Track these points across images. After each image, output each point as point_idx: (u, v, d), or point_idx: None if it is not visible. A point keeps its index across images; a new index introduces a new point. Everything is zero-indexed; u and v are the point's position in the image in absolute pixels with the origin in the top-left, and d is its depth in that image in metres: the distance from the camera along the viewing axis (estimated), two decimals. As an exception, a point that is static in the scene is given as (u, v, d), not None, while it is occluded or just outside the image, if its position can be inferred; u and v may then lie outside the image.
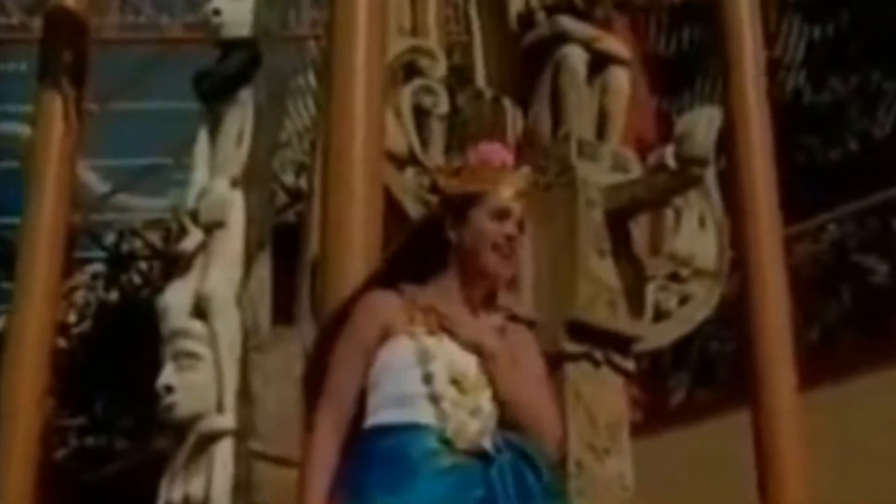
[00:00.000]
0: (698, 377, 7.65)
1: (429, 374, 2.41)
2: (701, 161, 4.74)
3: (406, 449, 2.35)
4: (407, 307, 2.48)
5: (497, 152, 2.61)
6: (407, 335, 2.44)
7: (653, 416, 6.86)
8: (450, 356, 2.43)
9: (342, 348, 2.47)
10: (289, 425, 4.41)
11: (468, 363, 2.44)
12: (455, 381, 2.41)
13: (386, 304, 2.48)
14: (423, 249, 2.56)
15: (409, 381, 2.40)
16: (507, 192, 2.54)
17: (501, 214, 2.53)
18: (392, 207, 4.35)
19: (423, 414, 2.39)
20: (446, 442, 2.36)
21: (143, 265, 10.09)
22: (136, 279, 10.03)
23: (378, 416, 2.41)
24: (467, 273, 2.53)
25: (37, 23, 8.75)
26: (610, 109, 5.06)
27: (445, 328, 2.47)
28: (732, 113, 4.99)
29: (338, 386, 2.45)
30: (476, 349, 2.47)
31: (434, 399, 2.39)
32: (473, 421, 2.41)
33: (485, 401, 2.45)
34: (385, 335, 2.45)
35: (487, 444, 2.39)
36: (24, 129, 9.89)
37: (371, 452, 2.37)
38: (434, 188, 4.64)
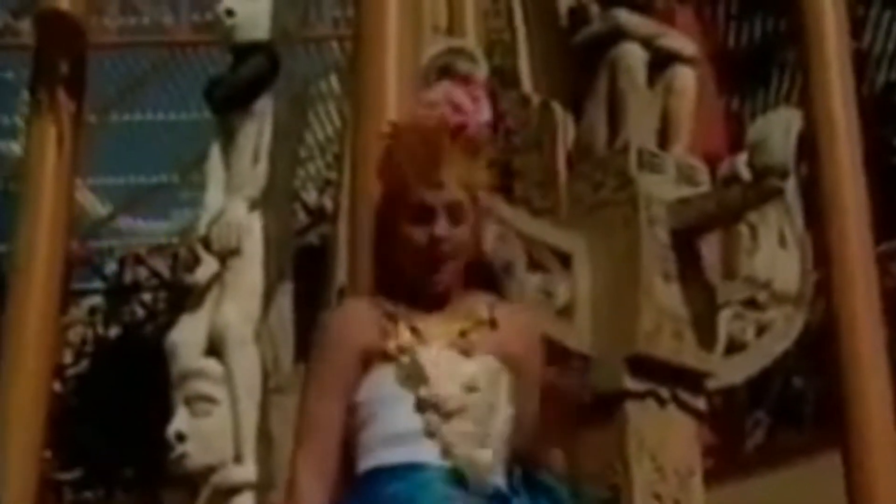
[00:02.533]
0: (779, 417, 7.61)
1: (422, 402, 2.36)
2: (779, 171, 4.74)
3: (413, 494, 2.31)
4: (381, 318, 2.45)
5: (435, 105, 2.55)
6: (388, 359, 2.40)
7: (728, 461, 6.82)
8: (442, 372, 2.39)
9: (318, 377, 2.45)
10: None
11: (450, 378, 2.39)
12: (436, 407, 2.37)
13: (359, 317, 2.46)
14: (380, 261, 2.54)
15: (401, 414, 2.37)
16: (426, 178, 2.43)
17: (421, 213, 2.44)
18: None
19: (425, 452, 2.35)
20: (456, 483, 2.32)
21: (148, 297, 10.17)
22: (140, 313, 10.11)
23: (375, 457, 2.37)
24: (414, 288, 2.48)
25: (25, 26, 8.87)
26: (674, 114, 5.07)
27: (424, 337, 2.43)
28: (814, 114, 4.99)
29: (317, 421, 2.42)
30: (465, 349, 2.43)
31: (433, 432, 2.36)
32: (483, 453, 2.37)
33: (495, 423, 2.40)
34: (365, 357, 2.42)
35: (500, 481, 2.36)
36: (13, 147, 10.03)
37: (372, 500, 2.33)
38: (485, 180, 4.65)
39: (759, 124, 4.99)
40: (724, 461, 6.72)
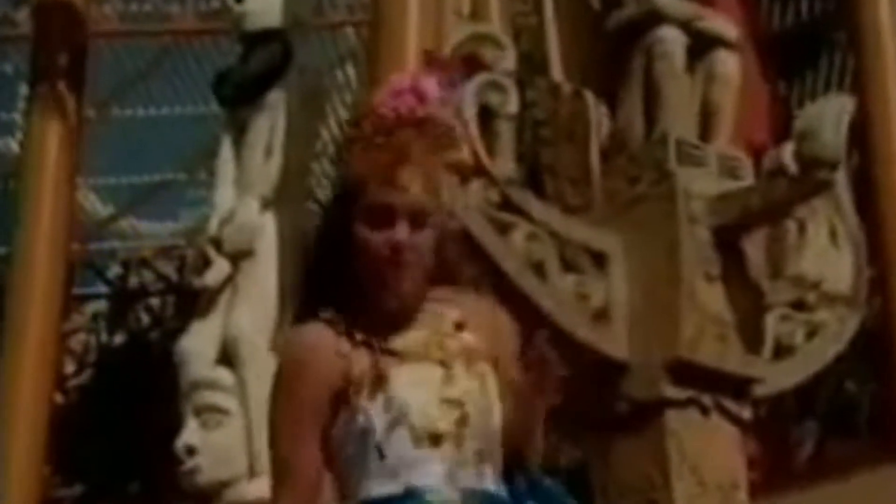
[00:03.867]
0: (830, 426, 7.57)
1: (414, 429, 2.32)
2: (829, 162, 4.73)
3: None
4: (348, 345, 2.35)
5: (399, 94, 2.34)
6: (369, 389, 2.33)
7: (775, 474, 6.80)
8: (410, 408, 2.33)
9: (290, 416, 2.37)
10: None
11: (434, 400, 2.34)
12: (444, 433, 2.32)
13: (325, 347, 2.35)
14: (329, 270, 2.41)
15: (395, 442, 2.33)
16: (385, 177, 2.31)
17: (380, 216, 2.33)
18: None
19: (425, 478, 2.32)
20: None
21: (154, 302, 10.20)
22: (146, 319, 10.13)
23: (371, 487, 2.34)
24: (375, 297, 2.37)
25: (23, 16, 8.91)
26: (716, 103, 5.06)
27: (401, 357, 2.35)
28: (867, 100, 4.98)
29: (297, 465, 2.36)
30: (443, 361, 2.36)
31: (429, 458, 2.33)
32: (486, 469, 2.35)
33: (492, 430, 2.36)
34: (340, 389, 2.34)
35: (501, 488, 2.35)
36: (11, 144, 10.09)
37: None
38: (505, 204, 4.67)
39: (808, 112, 4.98)
40: (771, 474, 6.70)
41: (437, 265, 2.39)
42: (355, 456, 2.35)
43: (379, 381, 2.33)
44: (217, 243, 5.00)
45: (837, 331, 5.05)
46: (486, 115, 5.07)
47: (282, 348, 2.44)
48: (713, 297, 4.71)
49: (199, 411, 4.79)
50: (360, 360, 2.34)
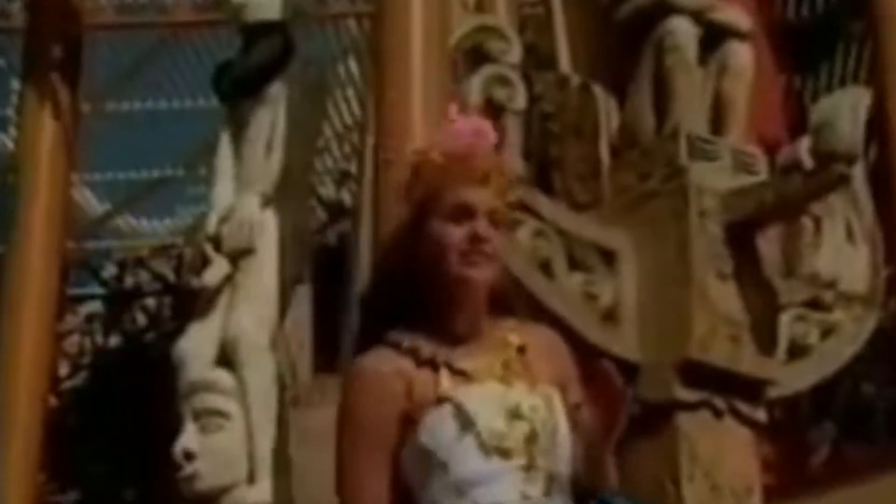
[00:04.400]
0: (847, 429, 7.58)
1: (484, 444, 2.40)
2: (845, 156, 4.73)
3: None
4: (406, 369, 2.45)
5: (463, 132, 2.56)
6: (438, 406, 2.43)
7: (790, 478, 6.81)
8: (478, 419, 2.43)
9: (362, 445, 2.46)
10: (335, 497, 4.45)
11: (499, 414, 2.43)
12: (512, 449, 2.41)
13: (386, 377, 2.45)
14: (399, 283, 2.55)
15: (468, 458, 2.40)
16: (466, 185, 2.51)
17: (461, 213, 2.51)
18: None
19: (501, 494, 2.39)
20: None
21: (151, 302, 10.21)
22: (142, 320, 10.15)
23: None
24: (446, 294, 2.51)
25: (16, 8, 8.92)
26: (728, 96, 5.07)
27: (469, 376, 2.46)
28: (885, 93, 4.98)
29: (373, 496, 2.44)
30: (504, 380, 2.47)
31: (502, 473, 2.40)
32: (557, 487, 2.42)
33: (561, 450, 2.44)
34: (408, 411, 2.44)
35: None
36: (4, 139, 10.11)
37: None
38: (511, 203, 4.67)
39: (824, 105, 4.98)
40: (786, 478, 6.71)
41: (496, 295, 2.54)
42: (420, 475, 2.43)
43: (444, 396, 2.43)
44: (216, 241, 5.01)
45: (854, 331, 5.05)
46: (492, 110, 5.08)
47: (345, 380, 2.52)
48: (726, 297, 4.72)
49: (197, 415, 4.80)
50: (425, 379, 2.45)
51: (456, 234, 2.49)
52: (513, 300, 2.59)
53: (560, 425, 2.47)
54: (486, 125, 2.61)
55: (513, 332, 2.54)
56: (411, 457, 2.45)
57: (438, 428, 2.42)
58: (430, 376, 2.45)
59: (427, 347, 2.48)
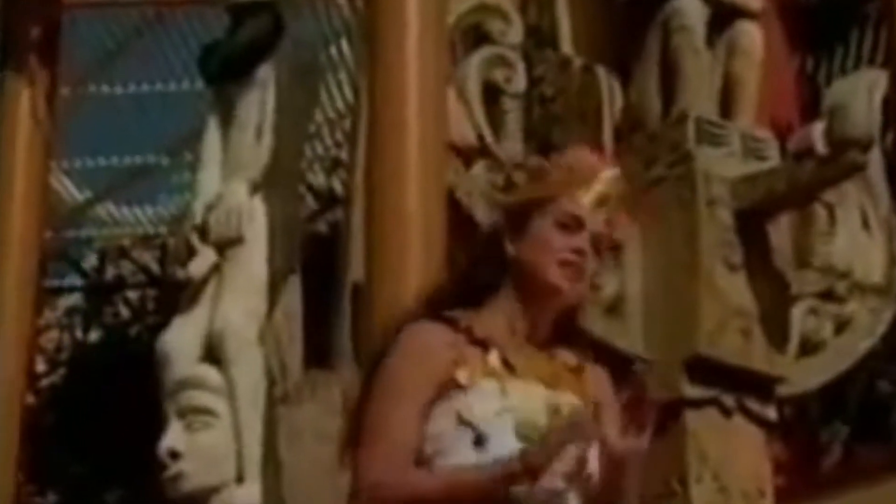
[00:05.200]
0: (861, 429, 7.59)
1: (520, 426, 2.49)
2: (860, 142, 4.74)
3: None
4: (459, 343, 2.56)
5: (586, 159, 2.73)
6: (481, 381, 2.53)
7: (802, 480, 6.82)
8: (520, 405, 2.53)
9: (395, 388, 2.55)
10: (326, 496, 4.46)
11: (538, 408, 2.53)
12: (527, 438, 2.49)
13: (436, 342, 2.56)
14: (482, 268, 2.68)
15: (507, 440, 2.48)
16: (583, 198, 2.65)
17: (572, 223, 2.63)
18: (457, 214, 4.40)
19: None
20: None
21: (134, 295, 10.22)
22: (125, 313, 10.16)
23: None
24: (528, 294, 2.63)
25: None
26: (738, 78, 5.07)
27: (515, 369, 2.56)
28: (902, 75, 4.98)
29: (391, 427, 2.52)
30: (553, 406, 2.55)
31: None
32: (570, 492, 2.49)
33: (589, 460, 2.51)
34: (442, 388, 2.53)
35: None
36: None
37: None
38: (511, 188, 4.68)
39: (838, 88, 4.99)
40: (797, 480, 6.72)
41: (564, 319, 2.67)
42: (450, 447, 2.50)
43: (492, 374, 2.54)
44: (202, 231, 5.02)
45: (869, 324, 5.06)
46: (491, 92, 5.09)
47: (392, 341, 2.60)
48: (735, 288, 4.73)
49: (183, 413, 4.81)
50: (474, 354, 2.55)
51: (561, 241, 2.62)
52: (575, 334, 2.69)
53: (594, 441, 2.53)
54: (602, 159, 2.78)
55: (566, 356, 2.66)
56: (441, 428, 2.52)
57: (481, 399, 2.51)
58: (480, 355, 2.56)
59: (482, 331, 2.58)
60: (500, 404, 2.51)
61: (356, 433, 2.56)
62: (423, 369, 2.54)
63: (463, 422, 2.51)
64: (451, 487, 2.47)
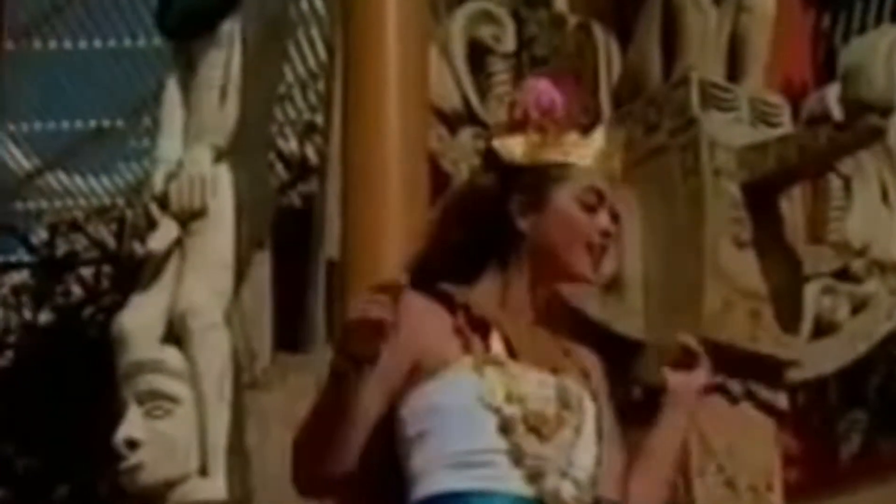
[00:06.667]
0: (880, 418, 7.63)
1: (507, 421, 2.48)
2: (880, 106, 4.76)
3: None
4: (460, 324, 2.55)
5: (544, 91, 2.65)
6: (466, 364, 2.52)
7: (816, 473, 6.87)
8: (523, 388, 2.52)
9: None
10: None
11: (544, 395, 2.53)
12: (533, 428, 2.50)
13: (423, 316, 2.55)
14: (477, 237, 2.63)
15: (478, 430, 2.48)
16: (591, 163, 2.63)
17: (596, 199, 2.62)
18: (441, 184, 4.41)
19: (507, 478, 2.47)
20: None
21: (88, 272, 10.23)
22: (77, 292, 10.17)
23: (438, 481, 2.48)
24: (540, 273, 2.62)
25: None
26: (747, 37, 5.08)
27: (516, 350, 2.55)
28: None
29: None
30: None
31: (517, 457, 2.48)
32: (566, 484, 2.51)
33: (580, 452, 2.54)
34: (417, 365, 2.52)
35: None
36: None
37: None
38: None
39: (855, 47, 5.00)
40: (811, 473, 6.76)
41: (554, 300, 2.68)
42: (426, 437, 2.49)
43: (487, 363, 2.52)
44: (162, 202, 5.03)
45: (889, 305, 5.09)
46: (477, 52, 5.10)
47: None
48: (743, 266, 4.75)
49: (142, 399, 4.83)
50: (472, 340, 2.54)
51: (588, 224, 2.61)
52: (565, 311, 2.72)
53: (586, 427, 2.57)
54: (557, 90, 2.66)
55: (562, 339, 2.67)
56: (421, 410, 2.51)
57: (455, 389, 2.50)
58: (476, 334, 2.54)
59: (479, 308, 2.56)
60: (503, 391, 2.50)
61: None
62: (399, 348, 2.49)
63: (450, 406, 2.50)
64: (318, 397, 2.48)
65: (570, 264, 2.61)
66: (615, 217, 2.64)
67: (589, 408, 2.59)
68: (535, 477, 2.48)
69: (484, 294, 2.60)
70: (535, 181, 2.61)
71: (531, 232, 2.60)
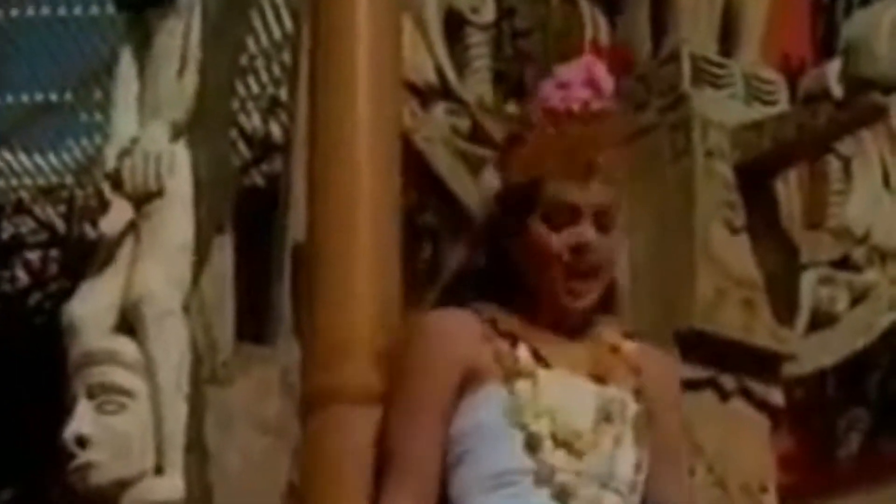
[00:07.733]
0: (881, 416, 7.67)
1: (533, 438, 2.51)
2: (882, 83, 4.78)
3: None
4: (493, 334, 2.58)
5: (575, 83, 2.63)
6: (499, 384, 2.54)
7: (813, 474, 6.89)
8: (553, 401, 2.54)
9: (414, 402, 2.57)
10: (261, 492, 4.50)
11: (579, 407, 2.55)
12: (564, 443, 2.52)
13: (464, 330, 2.58)
14: (486, 263, 2.67)
15: (506, 450, 2.51)
16: (567, 177, 2.57)
17: (563, 214, 2.58)
18: (414, 164, 4.42)
19: (529, 497, 2.50)
20: None
21: (34, 256, 10.22)
22: (23, 278, 10.16)
23: (472, 502, 2.52)
24: (536, 299, 2.63)
25: None
26: (741, 10, 5.10)
27: (548, 363, 2.58)
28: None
29: (414, 455, 2.55)
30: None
31: (544, 475, 2.51)
32: (607, 495, 2.54)
33: (620, 462, 2.56)
34: (468, 378, 2.55)
35: None
36: None
37: None
38: (477, 134, 4.72)
39: (857, 21, 5.03)
40: (810, 474, 6.78)
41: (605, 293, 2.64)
42: (462, 459, 2.54)
43: (517, 378, 2.54)
44: (116, 181, 5.02)
45: (890, 295, 5.12)
46: (454, 22, 5.11)
47: (410, 331, 2.62)
48: (736, 253, 4.78)
49: (93, 392, 4.82)
50: (503, 356, 2.56)
51: (556, 242, 2.57)
52: (614, 299, 2.67)
53: (626, 436, 2.58)
54: (603, 75, 2.64)
55: (613, 330, 2.66)
56: (462, 430, 2.54)
57: (485, 409, 2.53)
58: (507, 348, 2.56)
59: (507, 323, 2.59)
60: (531, 407, 2.52)
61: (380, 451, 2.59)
62: (443, 372, 2.55)
63: (480, 426, 2.53)
64: None
65: (551, 293, 2.60)
66: (603, 225, 2.59)
67: (631, 410, 2.60)
68: (563, 494, 2.50)
69: (511, 313, 2.62)
70: (512, 205, 2.63)
71: (517, 258, 2.63)
